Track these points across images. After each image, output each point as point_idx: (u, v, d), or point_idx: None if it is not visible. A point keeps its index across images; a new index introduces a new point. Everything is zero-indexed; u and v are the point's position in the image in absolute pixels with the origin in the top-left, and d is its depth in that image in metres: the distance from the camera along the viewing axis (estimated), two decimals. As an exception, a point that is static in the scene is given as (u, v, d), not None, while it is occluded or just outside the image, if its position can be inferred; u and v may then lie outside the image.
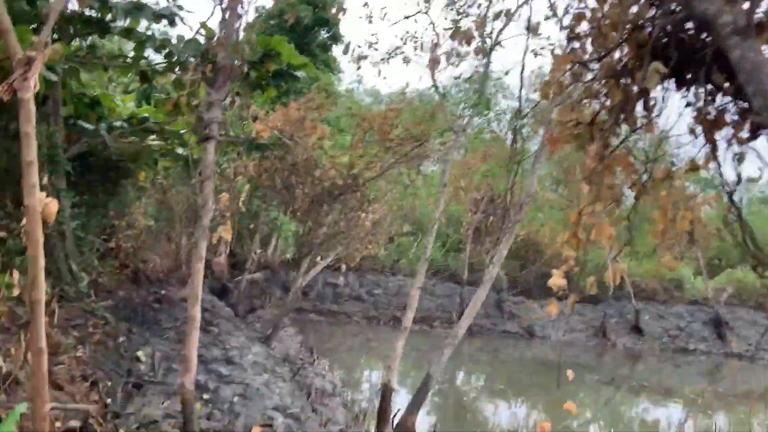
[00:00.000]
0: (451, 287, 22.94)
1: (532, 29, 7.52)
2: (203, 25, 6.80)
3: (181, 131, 10.39)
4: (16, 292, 5.96)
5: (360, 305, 20.99)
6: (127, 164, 12.75)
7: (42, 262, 3.07)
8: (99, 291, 10.57)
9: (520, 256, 25.81)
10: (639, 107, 2.76)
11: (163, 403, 6.02)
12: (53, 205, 3.19)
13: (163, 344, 8.63)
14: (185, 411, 5.33)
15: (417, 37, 9.56)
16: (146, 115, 10.26)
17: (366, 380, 13.26)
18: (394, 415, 6.92)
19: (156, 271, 14.55)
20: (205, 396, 6.43)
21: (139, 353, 7.79)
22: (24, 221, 3.27)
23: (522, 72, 8.27)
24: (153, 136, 10.91)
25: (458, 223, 24.44)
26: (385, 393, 6.78)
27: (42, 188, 7.98)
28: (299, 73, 7.84)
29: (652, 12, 2.57)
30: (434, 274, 24.66)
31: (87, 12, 7.96)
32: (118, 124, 9.84)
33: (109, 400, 5.68)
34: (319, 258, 10.53)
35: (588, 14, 2.89)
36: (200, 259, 5.45)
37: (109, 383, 6.33)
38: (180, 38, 7.75)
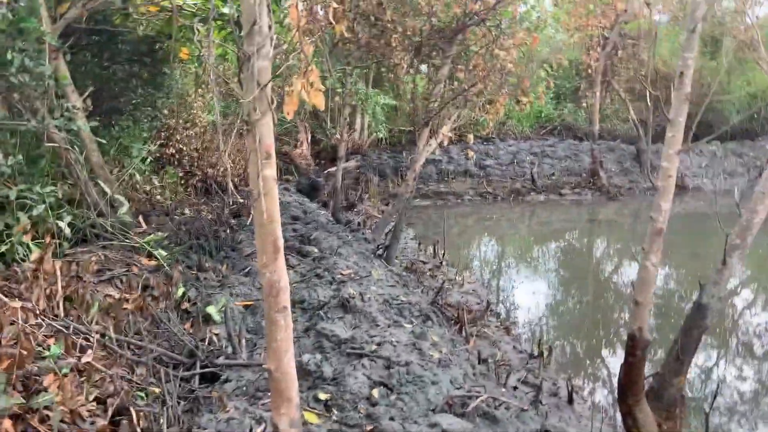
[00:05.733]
0: (572, 145, 19.16)
1: None
2: None
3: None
4: None
5: (470, 181, 17.80)
6: (165, 43, 9.62)
7: None
8: (153, 215, 8.00)
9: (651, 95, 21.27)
10: None
11: (251, 431, 3.25)
12: None
13: (245, 284, 5.92)
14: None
15: None
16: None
17: (507, 278, 10.35)
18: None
19: (230, 176, 11.91)
20: (322, 395, 3.62)
21: (210, 309, 5.09)
22: None
23: None
24: (181, -8, 7.67)
25: (570, 67, 20.00)
26: (635, 347, 3.74)
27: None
28: None
29: None
30: (548, 133, 20.87)
31: None
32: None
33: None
34: (445, 126, 7.25)
35: None
36: (267, 157, 2.39)
37: (158, 390, 3.63)
38: None
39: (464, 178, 17.85)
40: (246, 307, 5.32)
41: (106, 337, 3.93)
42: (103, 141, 6.67)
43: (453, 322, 6.67)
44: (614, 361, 6.67)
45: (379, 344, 4.25)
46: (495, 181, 17.79)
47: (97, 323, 4.19)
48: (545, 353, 6.07)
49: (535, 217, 16.28)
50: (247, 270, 6.31)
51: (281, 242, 2.47)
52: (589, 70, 16.59)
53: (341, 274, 5.92)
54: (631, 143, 19.33)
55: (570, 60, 19.47)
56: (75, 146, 6.36)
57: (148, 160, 9.17)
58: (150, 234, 6.46)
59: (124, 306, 4.46)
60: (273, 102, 2.36)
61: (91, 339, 3.67)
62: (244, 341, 4.53)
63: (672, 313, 8.47)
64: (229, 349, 4.41)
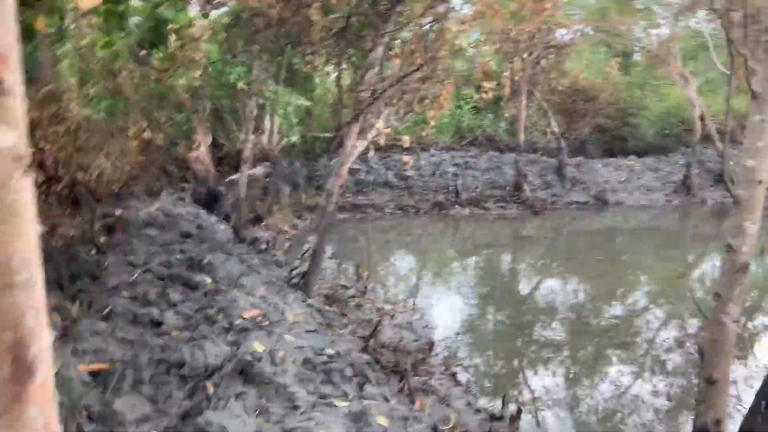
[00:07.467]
0: (494, 157, 18.33)
1: None
2: None
3: None
4: None
5: (390, 193, 16.49)
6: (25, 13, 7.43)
7: None
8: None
9: (566, 110, 20.97)
10: None
11: None
12: None
13: (100, 334, 4.12)
14: None
15: None
16: None
17: (441, 305, 8.98)
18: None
19: (108, 183, 9.83)
20: None
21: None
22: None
23: None
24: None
25: (494, 76, 19.25)
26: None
27: None
28: None
29: None
30: (470, 144, 20.00)
31: None
32: None
33: None
34: (379, 122, 5.77)
35: None
36: None
37: None
38: None
39: (384, 190, 16.51)
40: (94, 374, 3.54)
41: None
42: None
43: (391, 370, 5.19)
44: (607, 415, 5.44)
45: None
46: (417, 194, 16.58)
47: None
48: (513, 415, 4.70)
49: (460, 233, 15.23)
50: (107, 310, 4.50)
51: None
52: (515, 78, 15.77)
53: (243, 317, 4.26)
54: (552, 156, 18.81)
55: (493, 70, 18.76)
56: None
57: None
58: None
59: None
60: None
61: None
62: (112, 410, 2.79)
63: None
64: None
